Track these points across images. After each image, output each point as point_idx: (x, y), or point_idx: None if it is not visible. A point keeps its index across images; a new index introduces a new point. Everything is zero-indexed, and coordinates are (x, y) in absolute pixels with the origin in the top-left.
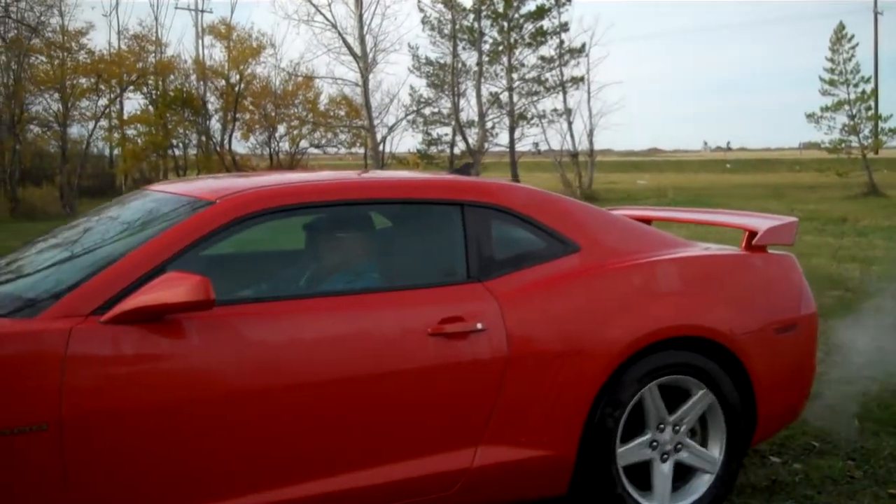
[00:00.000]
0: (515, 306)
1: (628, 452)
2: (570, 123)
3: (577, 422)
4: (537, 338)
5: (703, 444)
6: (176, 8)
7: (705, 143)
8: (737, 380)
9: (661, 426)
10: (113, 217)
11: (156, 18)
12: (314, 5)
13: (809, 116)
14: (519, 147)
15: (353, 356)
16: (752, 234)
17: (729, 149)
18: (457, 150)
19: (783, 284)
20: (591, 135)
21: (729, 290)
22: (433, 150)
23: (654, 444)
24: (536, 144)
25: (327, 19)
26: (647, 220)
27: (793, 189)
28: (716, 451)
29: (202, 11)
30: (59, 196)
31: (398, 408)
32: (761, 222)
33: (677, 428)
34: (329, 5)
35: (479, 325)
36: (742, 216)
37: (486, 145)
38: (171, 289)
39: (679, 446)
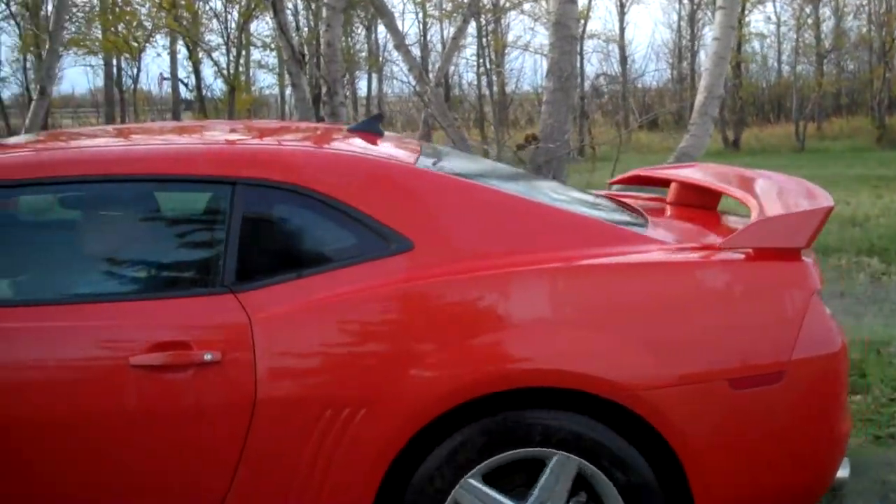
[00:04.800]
0: (276, 330)
1: None
2: None
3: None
4: (299, 379)
5: None
6: None
7: None
8: (659, 456)
9: None
10: None
11: None
12: None
13: None
14: None
15: (26, 392)
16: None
17: None
18: None
19: (763, 310)
20: None
21: (645, 317)
22: None
23: None
24: None
25: None
26: (659, 182)
27: None
28: None
29: None
30: None
31: (98, 463)
32: (771, 205)
33: None
34: None
35: (209, 356)
36: (770, 190)
37: None
38: None
39: None
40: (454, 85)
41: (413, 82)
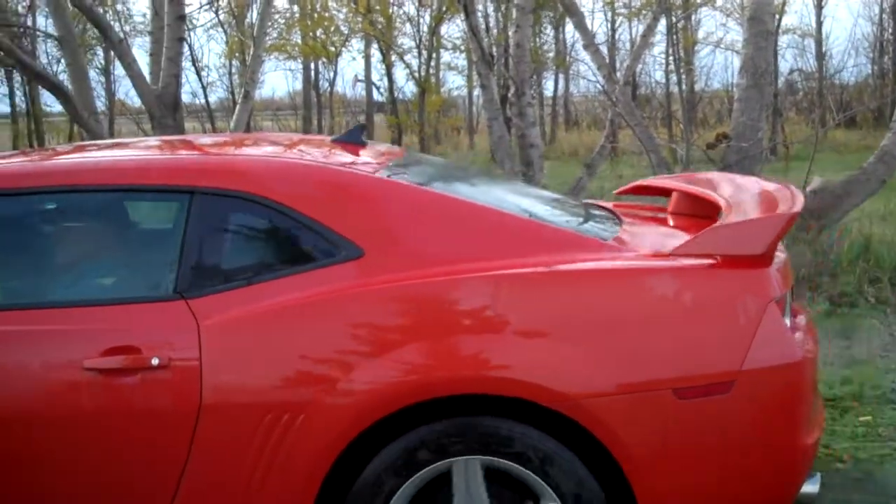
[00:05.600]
0: (223, 336)
1: None
2: None
3: None
4: (242, 383)
5: None
6: None
7: None
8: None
9: None
10: None
11: None
12: None
13: None
14: None
15: None
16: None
17: None
18: None
19: (711, 318)
20: None
21: (586, 325)
22: None
23: None
24: None
25: None
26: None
27: None
28: None
29: None
30: None
31: (52, 461)
32: (737, 212)
33: None
34: None
35: (155, 361)
36: (749, 197)
37: None
38: None
39: None
40: (641, 83)
41: (601, 81)
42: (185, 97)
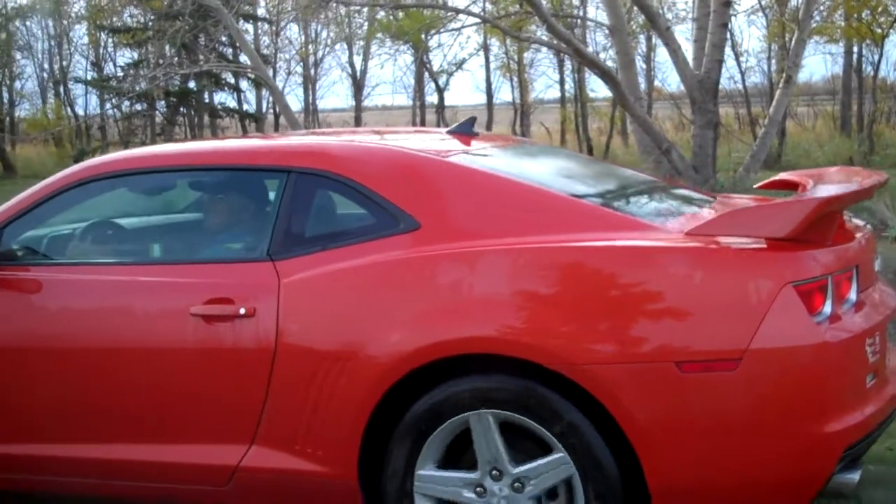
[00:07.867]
0: (297, 292)
1: (439, 480)
2: None
3: (353, 440)
4: (309, 332)
5: None
6: None
7: None
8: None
9: (496, 472)
10: None
11: None
12: None
13: None
14: None
15: (116, 328)
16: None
17: None
18: None
19: (720, 297)
20: None
21: (599, 297)
22: None
23: (480, 490)
24: None
25: None
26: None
27: None
28: None
29: None
30: None
31: (164, 387)
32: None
33: (517, 485)
34: None
35: (242, 310)
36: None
37: None
38: None
39: None
40: None
41: None
42: (722, 82)
